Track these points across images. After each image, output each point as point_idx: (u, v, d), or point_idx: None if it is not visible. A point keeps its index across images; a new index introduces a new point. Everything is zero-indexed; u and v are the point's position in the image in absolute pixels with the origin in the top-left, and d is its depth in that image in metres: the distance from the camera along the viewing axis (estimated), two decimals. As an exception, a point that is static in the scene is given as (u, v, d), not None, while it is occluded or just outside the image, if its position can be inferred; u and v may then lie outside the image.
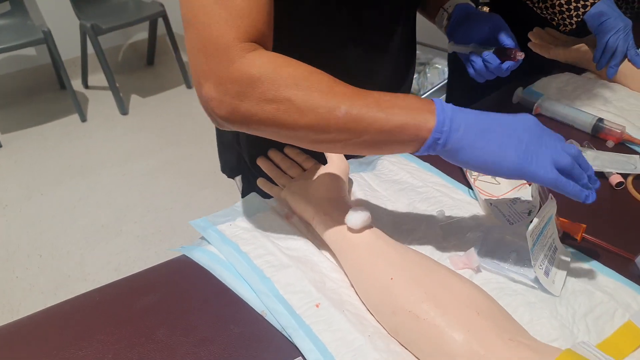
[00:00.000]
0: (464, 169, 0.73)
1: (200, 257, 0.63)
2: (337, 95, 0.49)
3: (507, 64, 0.70)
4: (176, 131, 2.41)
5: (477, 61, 0.72)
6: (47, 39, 2.21)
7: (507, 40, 0.71)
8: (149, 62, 2.99)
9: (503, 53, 0.70)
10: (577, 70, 1.01)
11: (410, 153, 0.53)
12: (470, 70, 0.74)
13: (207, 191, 2.02)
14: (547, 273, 0.58)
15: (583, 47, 0.94)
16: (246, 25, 0.51)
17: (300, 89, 0.49)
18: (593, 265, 0.61)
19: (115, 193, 2.04)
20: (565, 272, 0.59)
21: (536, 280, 0.58)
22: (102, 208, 1.97)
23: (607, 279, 0.60)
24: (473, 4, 0.79)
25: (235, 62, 0.49)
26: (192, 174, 2.13)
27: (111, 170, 2.17)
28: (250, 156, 0.92)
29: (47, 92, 2.74)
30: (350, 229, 0.60)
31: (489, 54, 0.71)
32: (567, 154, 0.52)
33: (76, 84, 2.73)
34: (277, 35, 0.57)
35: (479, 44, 0.73)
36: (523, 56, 0.69)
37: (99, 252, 1.77)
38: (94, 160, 2.24)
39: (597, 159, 0.75)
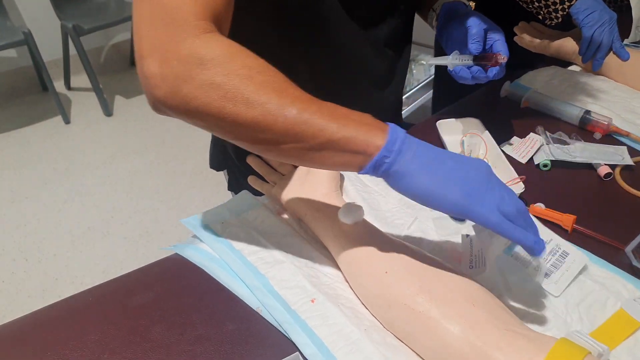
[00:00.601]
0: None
1: (193, 255, 0.62)
2: (290, 96, 0.46)
3: (493, 71, 0.68)
4: (161, 132, 2.38)
5: (461, 72, 0.70)
6: (28, 40, 2.17)
7: (498, 45, 0.69)
8: (132, 63, 2.95)
9: (485, 58, 0.68)
10: (563, 63, 1.02)
11: (353, 171, 0.49)
12: (456, 78, 0.73)
13: (194, 191, 2.01)
14: (547, 275, 0.59)
15: (569, 40, 0.95)
16: (205, 2, 0.48)
17: (252, 81, 0.45)
18: (585, 255, 0.62)
19: (101, 195, 2.02)
20: (573, 275, 0.59)
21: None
22: (88, 210, 1.94)
23: (598, 269, 0.61)
24: (463, 2, 0.78)
25: (187, 40, 0.45)
26: (178, 174, 2.11)
27: (96, 172, 2.14)
28: (235, 151, 0.91)
29: (29, 94, 2.69)
30: (343, 224, 0.60)
31: (477, 70, 0.69)
32: (513, 203, 0.49)
33: (59, 85, 2.68)
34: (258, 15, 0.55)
35: (458, 53, 0.71)
36: (506, 59, 0.67)
37: (86, 254, 1.75)
38: (79, 162, 2.21)
39: (585, 151, 0.76)
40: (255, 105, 0.45)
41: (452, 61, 0.71)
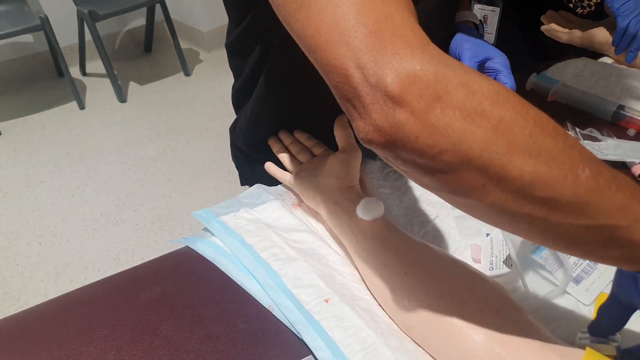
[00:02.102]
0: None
1: (204, 249, 0.60)
2: (575, 147, 0.32)
3: None
4: (174, 119, 2.37)
5: None
6: (44, 26, 2.16)
7: (502, 77, 0.63)
8: (147, 49, 2.94)
9: None
10: (594, 55, 0.97)
11: (629, 270, 0.36)
12: None
13: (206, 179, 1.99)
14: (577, 281, 0.55)
15: (601, 30, 0.91)
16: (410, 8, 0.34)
17: (530, 114, 0.31)
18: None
19: (114, 181, 2.02)
20: (606, 283, 0.55)
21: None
22: (101, 196, 1.94)
23: (629, 273, 0.57)
24: (473, 25, 0.74)
25: (421, 49, 0.32)
26: (190, 161, 2.10)
27: (110, 158, 2.14)
28: (247, 145, 0.88)
29: (44, 80, 2.69)
30: (362, 220, 0.57)
31: None
32: None
33: (74, 71, 2.68)
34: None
35: None
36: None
37: (98, 240, 1.75)
38: (93, 148, 2.21)
39: (618, 148, 0.72)
40: (540, 153, 0.31)
41: None
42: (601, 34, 0.92)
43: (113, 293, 0.55)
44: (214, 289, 0.55)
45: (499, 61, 0.63)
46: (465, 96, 0.30)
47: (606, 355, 0.42)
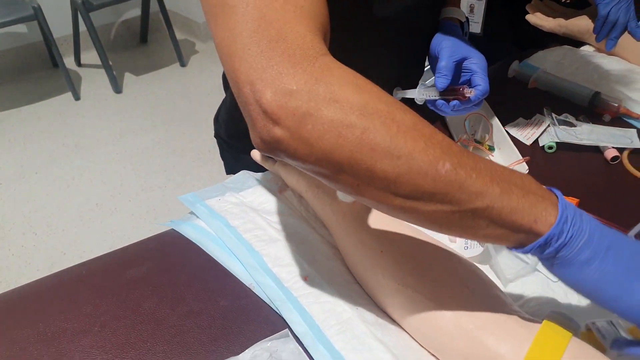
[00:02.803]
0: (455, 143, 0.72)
1: (188, 231, 0.62)
2: (440, 144, 0.36)
3: (453, 103, 0.64)
4: (170, 110, 2.38)
5: (429, 105, 0.68)
6: (38, 15, 2.16)
7: (477, 79, 0.64)
8: (142, 40, 2.94)
9: (451, 91, 0.64)
10: (576, 44, 0.99)
11: (508, 246, 0.40)
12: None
13: (201, 169, 2.01)
14: None
15: (583, 19, 0.92)
16: (312, 13, 0.38)
17: (395, 121, 0.35)
18: (586, 239, 0.61)
19: (109, 171, 2.03)
20: None
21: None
22: (96, 186, 1.96)
23: (599, 253, 0.59)
24: (459, 22, 0.73)
25: (302, 64, 0.35)
26: (185, 152, 2.11)
27: (105, 148, 2.15)
28: (229, 135, 0.89)
29: (39, 71, 2.69)
30: (342, 202, 0.59)
31: (441, 103, 0.65)
32: None
33: (69, 62, 2.68)
34: None
35: (424, 87, 0.67)
36: (473, 93, 0.63)
37: (94, 230, 1.77)
38: (88, 138, 2.22)
39: (592, 133, 0.74)
40: (401, 153, 0.35)
41: (419, 95, 0.67)
42: (583, 23, 0.93)
43: (97, 273, 0.57)
44: (197, 269, 0.57)
45: (476, 62, 0.64)
46: (334, 111, 0.34)
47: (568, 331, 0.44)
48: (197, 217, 0.65)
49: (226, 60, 0.38)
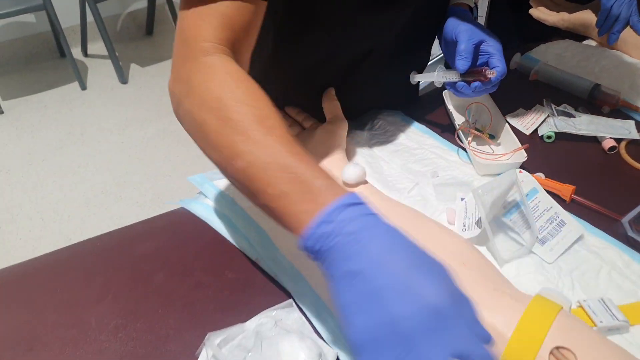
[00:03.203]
0: (457, 131, 0.74)
1: (197, 209, 0.65)
2: (250, 141, 0.42)
3: (475, 84, 0.67)
4: (176, 101, 2.40)
5: (449, 87, 0.70)
6: (46, 5, 2.18)
7: (494, 60, 0.66)
8: (148, 31, 2.96)
9: (472, 73, 0.67)
10: (578, 38, 1.00)
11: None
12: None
13: (205, 159, 2.01)
14: (542, 242, 0.59)
15: (587, 13, 0.94)
16: (218, 24, 0.48)
17: (218, 118, 0.44)
18: (581, 225, 0.63)
19: (115, 160, 2.05)
20: (568, 244, 0.59)
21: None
22: (102, 174, 1.98)
23: (594, 238, 0.61)
24: (468, 8, 0.75)
25: (189, 62, 0.47)
26: (190, 142, 2.07)
27: (110, 137, 2.18)
28: None
29: (47, 60, 2.71)
30: (346, 184, 0.61)
31: (462, 85, 0.68)
32: None
33: (76, 52, 2.71)
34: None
35: (443, 69, 0.69)
36: (496, 74, 0.65)
37: (99, 216, 1.80)
38: (94, 127, 2.24)
39: (591, 124, 0.75)
40: (213, 146, 0.45)
41: (438, 79, 0.69)
42: (586, 17, 0.95)
43: (110, 246, 0.59)
44: (205, 244, 0.59)
45: (492, 44, 0.67)
46: (190, 104, 0.47)
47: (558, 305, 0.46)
48: (205, 196, 0.67)
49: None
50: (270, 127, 0.43)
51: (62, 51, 2.67)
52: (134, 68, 2.66)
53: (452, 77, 0.69)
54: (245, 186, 0.44)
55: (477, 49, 0.67)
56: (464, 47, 0.66)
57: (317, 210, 0.37)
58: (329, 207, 0.37)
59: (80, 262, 0.57)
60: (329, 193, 0.39)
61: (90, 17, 2.44)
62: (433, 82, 0.71)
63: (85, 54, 2.75)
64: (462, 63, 0.66)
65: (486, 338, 0.35)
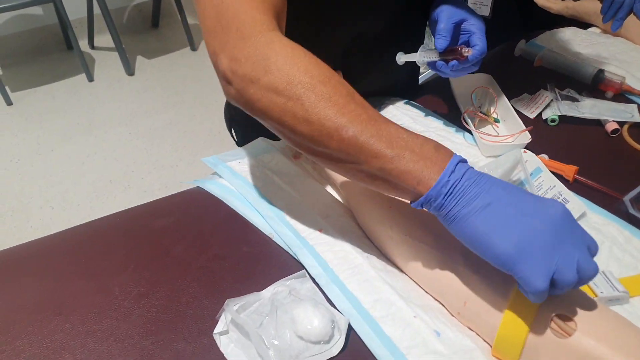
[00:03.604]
0: (462, 115, 0.76)
1: (212, 188, 0.67)
2: (350, 113, 0.44)
3: (452, 63, 0.67)
4: (180, 92, 2.42)
5: (429, 66, 0.71)
6: (54, -3, 2.20)
7: (475, 39, 0.67)
8: (154, 24, 2.98)
9: (450, 52, 0.67)
10: (583, 25, 1.02)
11: (407, 201, 0.47)
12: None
13: (211, 150, 2.05)
14: None
15: (590, 1, 0.95)
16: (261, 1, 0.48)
17: (314, 92, 0.44)
18: (583, 203, 0.65)
19: (122, 150, 2.08)
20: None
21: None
22: (109, 164, 2.01)
23: (595, 216, 0.64)
24: None
25: (251, 38, 0.46)
26: (196, 133, 2.16)
27: (118, 128, 2.20)
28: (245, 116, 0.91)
29: (54, 52, 2.74)
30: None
31: (441, 64, 0.68)
32: (575, 271, 0.40)
33: (83, 44, 2.73)
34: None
35: (425, 49, 0.70)
36: (471, 52, 0.65)
37: (108, 205, 1.82)
38: (101, 118, 2.27)
39: (594, 107, 0.77)
40: (313, 119, 0.44)
41: (420, 58, 0.70)
42: (590, 5, 0.97)
43: (130, 222, 0.62)
44: (221, 220, 0.62)
45: (474, 23, 0.67)
46: (268, 81, 0.45)
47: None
48: (220, 177, 0.69)
49: (204, 34, 0.50)
50: (362, 102, 0.46)
51: (69, 43, 2.70)
52: (140, 60, 2.68)
53: (432, 56, 0.69)
54: (351, 155, 0.45)
55: (457, 28, 0.68)
56: (443, 26, 0.67)
57: (439, 165, 0.44)
58: (451, 162, 0.44)
59: (102, 236, 0.59)
60: (441, 153, 0.45)
61: (97, 10, 2.46)
62: (432, 70, 0.72)
63: (92, 46, 2.78)
64: (441, 42, 0.66)
65: (594, 249, 0.43)
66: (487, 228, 0.41)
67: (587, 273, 0.41)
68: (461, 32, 0.68)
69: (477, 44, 0.66)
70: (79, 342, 0.48)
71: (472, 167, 0.45)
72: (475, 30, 0.67)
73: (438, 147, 0.45)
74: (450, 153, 0.45)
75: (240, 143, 1.05)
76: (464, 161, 0.45)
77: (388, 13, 0.74)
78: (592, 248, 0.43)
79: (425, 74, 1.80)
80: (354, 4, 0.69)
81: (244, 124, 0.97)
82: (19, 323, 0.49)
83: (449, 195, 0.43)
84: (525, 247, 0.40)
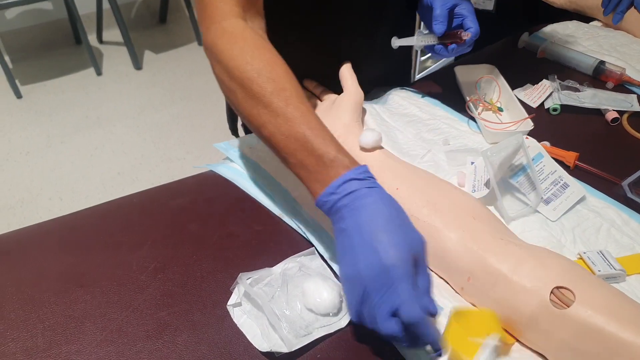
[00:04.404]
0: (467, 103, 0.78)
1: (224, 171, 0.69)
2: (271, 113, 0.50)
3: (452, 47, 0.71)
4: (187, 87, 2.45)
5: (428, 50, 0.74)
6: (63, -8, 2.23)
7: (468, 22, 0.70)
8: (162, 19, 3.01)
9: (448, 36, 0.70)
10: (585, 19, 1.04)
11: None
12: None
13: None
14: (547, 202, 0.64)
15: (592, -6, 0.97)
16: None
17: (244, 90, 0.51)
18: (583, 187, 0.67)
19: (130, 143, 2.11)
20: (571, 204, 0.63)
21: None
22: (117, 157, 2.04)
23: (595, 200, 0.66)
24: None
25: (214, 24, 0.54)
26: (203, 127, 2.19)
27: (126, 122, 2.23)
28: None
29: (63, 47, 2.77)
30: (363, 148, 0.65)
31: (440, 48, 0.72)
32: (387, 316, 0.42)
33: (91, 39, 2.76)
34: None
35: (422, 33, 0.73)
36: (470, 35, 0.69)
37: (116, 197, 1.85)
38: (110, 112, 2.30)
39: (595, 97, 0.79)
40: (243, 115, 0.53)
41: (417, 42, 0.73)
42: (591, 0, 0.98)
43: (146, 201, 0.64)
44: (234, 201, 0.64)
45: (465, 7, 0.71)
46: (218, 69, 0.54)
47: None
48: (231, 161, 0.72)
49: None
50: (288, 99, 0.50)
51: (78, 38, 2.73)
52: (148, 55, 2.71)
53: (430, 40, 0.72)
54: (272, 151, 0.53)
55: (451, 12, 0.71)
56: (439, 12, 0.69)
57: (328, 182, 0.47)
58: (336, 181, 0.46)
59: (120, 214, 0.62)
60: (338, 166, 0.47)
61: (106, 5, 2.50)
62: (416, 47, 0.75)
63: (101, 41, 2.81)
64: (439, 27, 0.70)
65: (430, 310, 0.43)
66: (337, 251, 0.47)
67: (406, 318, 0.41)
68: (455, 16, 0.72)
69: (471, 26, 0.70)
70: (100, 311, 0.51)
71: (365, 183, 0.47)
72: (468, 14, 0.71)
73: (334, 161, 0.48)
74: (344, 169, 0.47)
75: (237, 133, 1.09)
76: (359, 179, 0.47)
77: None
78: (427, 309, 0.43)
79: (432, 67, 1.82)
80: None
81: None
82: (44, 293, 0.52)
83: (328, 213, 0.48)
84: (349, 281, 0.44)
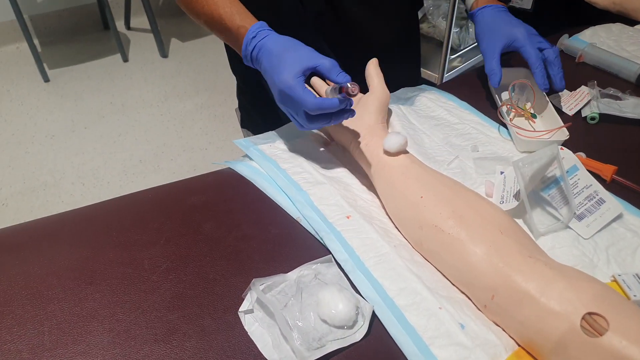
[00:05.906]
0: (499, 108, 0.75)
1: (243, 169, 0.68)
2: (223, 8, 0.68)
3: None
4: (212, 77, 2.45)
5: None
6: (94, -23, 2.25)
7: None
8: (190, 7, 3.01)
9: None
10: (630, 22, 0.98)
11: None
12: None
13: (241, 135, 2.06)
14: (580, 218, 0.60)
15: (638, -4, 0.92)
16: None
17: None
18: (620, 203, 0.63)
19: (153, 131, 2.12)
20: (606, 221, 0.60)
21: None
22: (140, 144, 2.05)
23: (633, 217, 0.61)
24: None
25: None
26: (226, 118, 2.18)
27: (150, 110, 2.24)
28: (244, 82, 1.05)
29: (91, 32, 2.80)
30: (387, 152, 0.62)
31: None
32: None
33: (119, 25, 2.78)
34: None
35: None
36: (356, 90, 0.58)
37: (137, 185, 1.86)
38: (134, 99, 2.31)
39: (637, 107, 0.75)
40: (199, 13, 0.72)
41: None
42: (637, 1, 0.93)
43: (163, 197, 0.63)
44: (251, 201, 0.62)
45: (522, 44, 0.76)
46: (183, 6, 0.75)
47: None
48: (250, 158, 0.70)
49: None
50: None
51: (106, 23, 2.75)
52: (174, 43, 2.72)
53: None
54: (208, 16, 0.70)
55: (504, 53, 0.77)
56: (493, 65, 0.76)
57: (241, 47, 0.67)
58: (243, 45, 0.66)
59: (134, 210, 0.60)
60: (243, 34, 0.66)
61: (134, -9, 2.51)
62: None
63: (128, 27, 2.83)
64: (494, 80, 0.76)
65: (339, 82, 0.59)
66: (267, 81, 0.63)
67: (312, 112, 0.58)
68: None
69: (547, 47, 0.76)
70: (108, 311, 0.49)
71: (258, 37, 0.64)
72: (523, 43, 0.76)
73: (238, 31, 0.67)
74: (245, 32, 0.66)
75: (245, 124, 1.10)
76: (254, 36, 0.65)
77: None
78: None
79: (460, 67, 1.77)
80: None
81: (248, 107, 1.02)
82: (52, 289, 0.51)
83: (253, 64, 0.67)
84: (278, 94, 0.61)
